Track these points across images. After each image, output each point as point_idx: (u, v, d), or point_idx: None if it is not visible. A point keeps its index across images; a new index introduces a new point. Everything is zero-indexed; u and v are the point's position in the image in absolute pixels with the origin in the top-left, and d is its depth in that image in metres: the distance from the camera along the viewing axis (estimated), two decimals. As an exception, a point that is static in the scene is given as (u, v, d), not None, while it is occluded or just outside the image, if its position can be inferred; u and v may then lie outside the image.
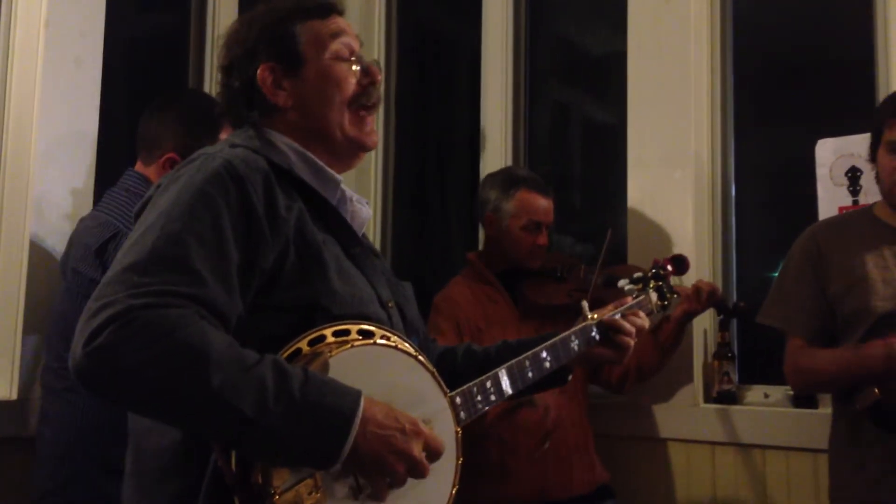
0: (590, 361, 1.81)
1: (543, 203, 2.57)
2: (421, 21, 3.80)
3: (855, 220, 2.25)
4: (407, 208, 3.63)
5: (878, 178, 2.17)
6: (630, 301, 1.85)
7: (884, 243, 2.13)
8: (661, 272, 2.04)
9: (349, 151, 1.50)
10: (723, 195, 2.84)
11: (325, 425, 1.15)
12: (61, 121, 2.36)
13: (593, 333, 1.73)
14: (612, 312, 1.78)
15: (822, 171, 2.51)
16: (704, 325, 2.72)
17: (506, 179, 2.61)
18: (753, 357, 2.78)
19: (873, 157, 2.17)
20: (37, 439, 2.06)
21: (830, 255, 2.17)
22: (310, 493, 1.17)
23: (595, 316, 1.75)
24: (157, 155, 2.11)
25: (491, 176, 2.71)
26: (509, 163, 3.20)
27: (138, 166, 2.16)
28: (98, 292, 1.15)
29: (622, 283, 2.00)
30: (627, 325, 1.75)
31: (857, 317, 2.09)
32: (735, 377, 2.68)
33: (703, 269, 2.74)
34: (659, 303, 1.99)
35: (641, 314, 1.80)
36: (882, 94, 2.56)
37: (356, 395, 1.19)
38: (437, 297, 2.57)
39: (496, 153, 3.24)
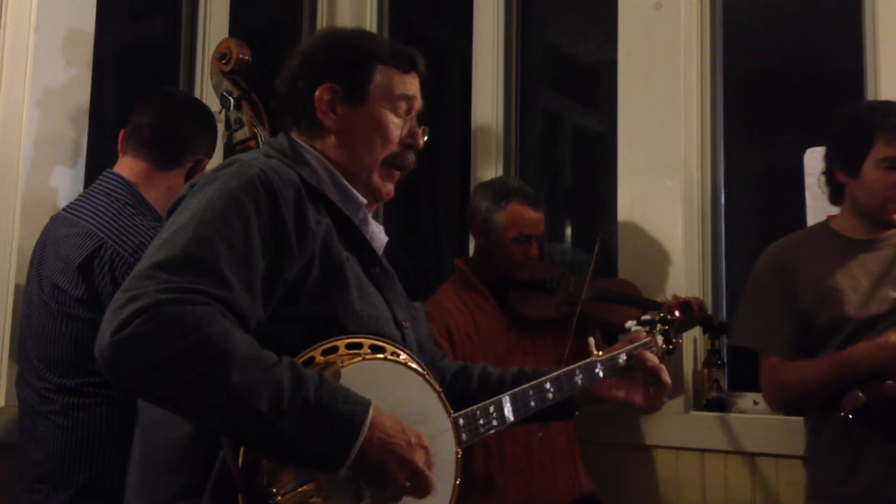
0: (604, 400, 1.80)
1: (534, 216, 2.57)
2: (412, 29, 3.80)
3: (814, 235, 2.29)
4: (398, 215, 3.63)
5: (836, 189, 2.22)
6: (639, 342, 1.88)
7: (847, 254, 2.18)
8: (669, 317, 2.05)
9: (364, 194, 1.55)
10: (712, 203, 2.85)
11: (335, 429, 1.19)
12: (50, 126, 2.35)
13: (597, 370, 1.76)
14: (617, 352, 1.81)
15: (810, 180, 2.53)
16: (694, 332, 2.72)
17: (497, 190, 2.61)
18: (743, 364, 2.78)
19: (853, 172, 2.17)
20: (18, 457, 1.94)
21: (796, 270, 2.20)
22: (312, 498, 1.21)
23: (601, 353, 1.78)
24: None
25: (483, 186, 2.71)
26: (500, 170, 3.21)
27: (130, 166, 2.04)
28: (127, 285, 1.19)
29: (629, 324, 2.02)
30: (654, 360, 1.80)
31: (833, 327, 2.12)
32: (725, 384, 2.69)
33: (692, 277, 2.75)
34: (665, 346, 2.00)
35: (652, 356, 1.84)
36: (870, 103, 2.58)
37: (367, 403, 1.23)
38: (427, 303, 2.56)
39: (487, 161, 3.24)
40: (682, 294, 2.55)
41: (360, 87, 1.52)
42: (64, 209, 2.04)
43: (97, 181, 2.04)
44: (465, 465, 2.29)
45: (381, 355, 1.35)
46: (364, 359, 1.31)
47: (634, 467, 2.73)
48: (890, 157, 2.13)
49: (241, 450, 1.20)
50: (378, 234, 1.58)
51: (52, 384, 1.86)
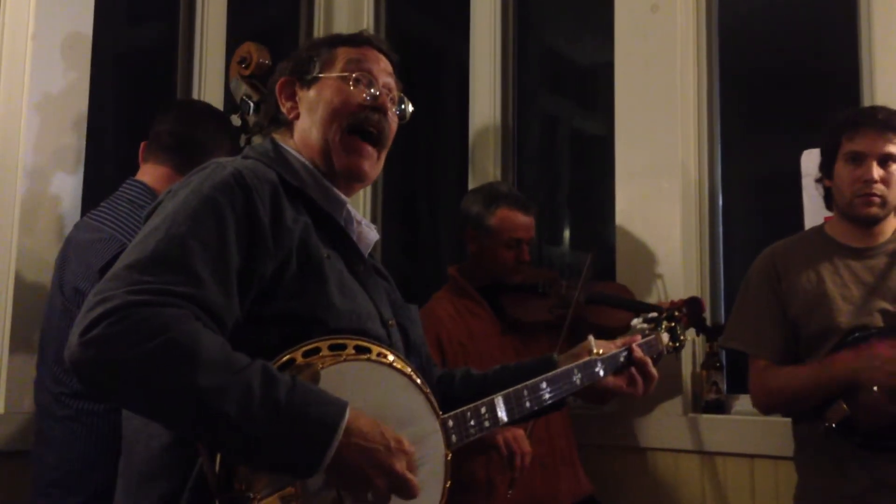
0: (602, 393, 1.76)
1: (524, 220, 2.58)
2: (409, 33, 3.81)
3: (808, 240, 2.30)
4: (396, 220, 3.64)
5: (828, 194, 2.24)
6: (640, 339, 1.82)
7: (838, 261, 2.19)
8: (676, 314, 2.03)
9: (341, 176, 1.52)
10: (710, 205, 2.86)
11: (308, 433, 1.16)
12: (49, 132, 2.36)
13: (597, 369, 1.71)
14: (618, 350, 1.76)
15: (807, 181, 2.54)
16: (692, 335, 2.72)
17: (487, 196, 2.62)
18: (741, 367, 2.79)
19: (829, 175, 2.22)
20: (34, 461, 1.96)
21: (788, 276, 2.21)
22: (290, 503, 1.18)
23: (601, 351, 1.72)
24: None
25: (473, 192, 2.72)
26: (498, 173, 3.21)
27: (151, 172, 2.07)
28: (98, 287, 1.18)
29: (635, 322, 1.99)
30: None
31: (822, 335, 2.12)
32: (723, 386, 2.69)
33: (690, 279, 2.75)
34: (671, 344, 1.97)
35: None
36: (866, 104, 2.58)
37: (342, 405, 1.20)
38: (421, 312, 2.56)
39: (485, 164, 3.25)
40: (680, 296, 2.55)
41: (307, 68, 1.54)
42: (87, 216, 2.06)
43: (120, 189, 2.06)
44: (466, 471, 2.32)
45: (364, 356, 1.31)
46: (346, 360, 1.28)
47: (634, 470, 2.73)
48: (852, 151, 2.15)
49: (218, 456, 1.17)
50: (367, 233, 1.55)
51: (69, 388, 1.87)
